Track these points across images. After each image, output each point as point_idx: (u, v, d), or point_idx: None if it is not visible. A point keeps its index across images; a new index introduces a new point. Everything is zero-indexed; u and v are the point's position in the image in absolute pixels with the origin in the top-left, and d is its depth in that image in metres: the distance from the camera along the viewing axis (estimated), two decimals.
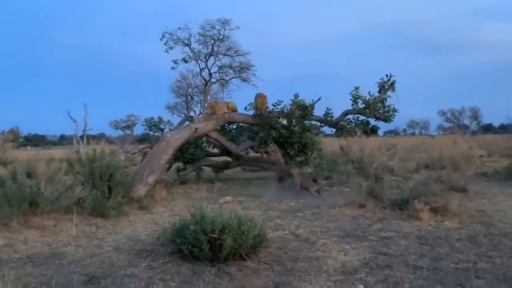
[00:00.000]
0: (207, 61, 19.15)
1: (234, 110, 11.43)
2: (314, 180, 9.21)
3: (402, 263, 4.38)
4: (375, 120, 10.86)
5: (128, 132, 45.55)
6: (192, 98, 25.99)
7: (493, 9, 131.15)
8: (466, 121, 59.84)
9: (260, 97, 10.97)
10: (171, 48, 18.73)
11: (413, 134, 64.35)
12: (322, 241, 5.34)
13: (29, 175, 6.92)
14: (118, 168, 7.56)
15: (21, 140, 60.72)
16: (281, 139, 10.37)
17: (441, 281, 3.83)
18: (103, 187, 7.11)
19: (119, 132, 46.66)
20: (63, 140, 52.26)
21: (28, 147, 45.02)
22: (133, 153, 14.44)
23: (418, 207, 6.36)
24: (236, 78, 20.34)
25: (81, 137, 15.91)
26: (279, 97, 11.25)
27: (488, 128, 58.79)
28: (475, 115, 59.43)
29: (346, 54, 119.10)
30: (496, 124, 61.65)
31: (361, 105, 10.54)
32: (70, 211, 6.47)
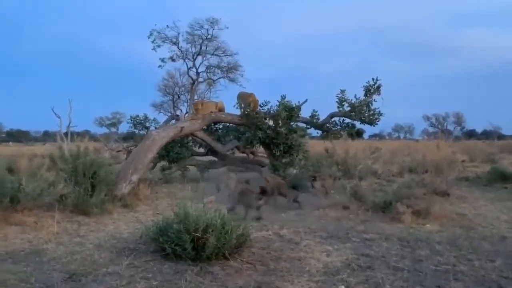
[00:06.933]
0: (194, 60, 19.13)
1: (221, 110, 11.41)
2: (294, 187, 8.47)
3: (383, 265, 4.43)
4: (361, 123, 10.96)
5: (113, 129, 45.04)
6: (179, 97, 25.93)
7: (474, 16, 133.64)
8: (450, 127, 60.65)
9: (250, 97, 10.94)
10: (158, 46, 18.68)
11: (398, 138, 64.94)
12: (305, 241, 5.37)
13: (10, 170, 6.83)
14: (102, 165, 7.48)
15: (3, 135, 59.82)
16: (267, 140, 10.41)
17: (421, 282, 3.88)
18: (86, 184, 7.02)
19: (104, 130, 46.06)
20: (46, 136, 51.45)
21: (10, 143, 44.34)
22: (118, 151, 14.28)
23: (400, 210, 6.44)
24: (223, 78, 20.34)
25: (65, 133, 15.67)
26: (265, 97, 11.26)
27: (471, 134, 59.69)
28: (458, 121, 60.28)
29: (332, 56, 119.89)
30: (479, 130, 62.69)
31: (347, 107, 10.63)
32: (52, 208, 6.38)
